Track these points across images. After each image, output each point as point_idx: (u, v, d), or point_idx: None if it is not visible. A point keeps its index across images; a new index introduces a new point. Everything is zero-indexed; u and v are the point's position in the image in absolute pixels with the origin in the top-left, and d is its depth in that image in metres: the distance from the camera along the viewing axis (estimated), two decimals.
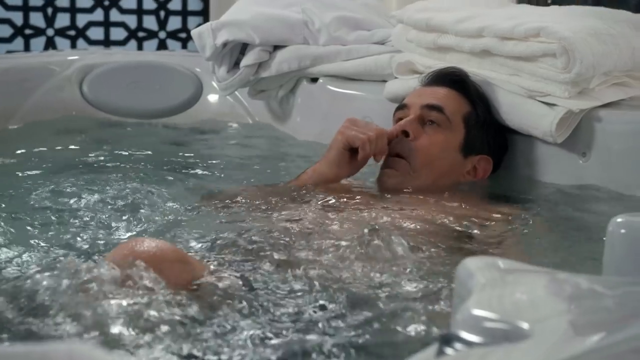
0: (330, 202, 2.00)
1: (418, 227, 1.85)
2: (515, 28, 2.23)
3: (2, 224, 1.95)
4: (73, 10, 3.83)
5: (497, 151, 2.26)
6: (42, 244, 1.81)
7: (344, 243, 1.68)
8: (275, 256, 1.65)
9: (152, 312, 1.33)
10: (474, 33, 2.32)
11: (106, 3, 3.85)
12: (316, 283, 1.51)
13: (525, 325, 1.00)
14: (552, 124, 2.17)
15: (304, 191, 2.07)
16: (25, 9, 3.77)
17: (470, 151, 2.19)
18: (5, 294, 1.40)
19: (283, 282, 1.52)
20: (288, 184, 2.16)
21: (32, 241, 1.84)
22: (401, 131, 2.15)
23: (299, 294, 1.47)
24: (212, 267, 1.57)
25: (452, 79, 2.24)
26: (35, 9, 3.78)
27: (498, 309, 1.04)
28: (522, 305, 1.07)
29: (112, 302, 1.34)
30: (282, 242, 1.71)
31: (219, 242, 1.76)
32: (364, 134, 2.09)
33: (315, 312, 1.41)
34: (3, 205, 2.11)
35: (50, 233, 1.89)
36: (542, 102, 2.21)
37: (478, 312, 1.04)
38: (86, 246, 1.80)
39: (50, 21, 3.83)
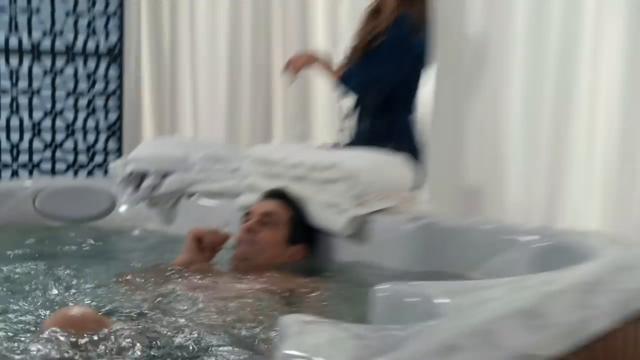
0: (191, 278, 1.97)
1: (251, 293, 1.83)
2: (319, 162, 2.27)
3: None
4: (31, 151, 3.74)
5: (310, 241, 2.24)
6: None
7: (195, 308, 1.68)
8: (151, 315, 1.64)
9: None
10: (293, 165, 2.34)
11: (53, 146, 3.77)
12: (175, 336, 1.49)
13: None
14: (343, 223, 2.19)
15: (175, 271, 2.04)
16: None
17: (292, 242, 2.18)
18: None
19: (160, 334, 1.50)
20: (167, 265, 2.11)
21: None
22: (247, 229, 2.15)
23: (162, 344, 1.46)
24: (116, 323, 1.53)
25: (279, 195, 2.25)
26: (5, 150, 3.68)
27: (303, 349, 1.03)
28: (320, 345, 1.06)
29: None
30: (154, 308, 1.70)
31: (121, 306, 1.73)
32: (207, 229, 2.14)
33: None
34: None
35: (3, 300, 1.81)
36: (337, 209, 2.21)
37: (289, 352, 1.03)
38: (33, 313, 1.72)
39: (15, 158, 3.73)
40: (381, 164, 2.29)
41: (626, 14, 2.29)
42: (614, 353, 1.38)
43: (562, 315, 1.31)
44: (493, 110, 2.56)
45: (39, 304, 1.80)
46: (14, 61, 3.65)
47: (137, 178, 2.77)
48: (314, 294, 1.90)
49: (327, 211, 2.23)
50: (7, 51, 3.63)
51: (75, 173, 3.77)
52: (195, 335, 1.49)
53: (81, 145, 3.77)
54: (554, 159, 2.45)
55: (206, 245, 2.14)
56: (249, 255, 2.13)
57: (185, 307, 1.69)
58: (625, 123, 2.32)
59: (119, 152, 3.78)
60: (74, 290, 1.93)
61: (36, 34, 3.66)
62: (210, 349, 1.43)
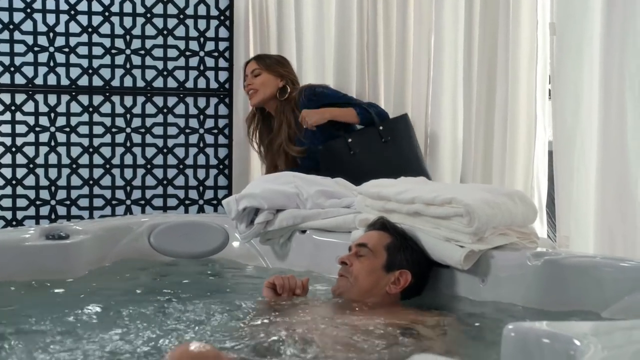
0: (299, 315, 2.00)
1: (364, 328, 1.83)
2: (435, 198, 2.25)
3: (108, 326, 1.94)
4: (143, 187, 3.86)
5: (414, 266, 2.20)
6: (124, 340, 1.80)
7: (311, 345, 1.69)
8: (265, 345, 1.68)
9: None
10: (408, 201, 2.34)
11: (164, 182, 3.88)
12: None
13: None
14: (461, 258, 2.17)
15: (286, 306, 2.08)
16: (113, 187, 3.81)
17: (391, 268, 2.16)
18: None
19: None
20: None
21: (120, 337, 1.82)
22: (340, 262, 2.19)
23: None
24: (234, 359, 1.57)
25: (379, 225, 2.27)
26: (119, 187, 3.81)
27: None
28: None
29: None
30: (270, 343, 1.71)
31: (238, 341, 1.75)
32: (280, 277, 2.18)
33: None
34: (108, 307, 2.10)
35: (126, 334, 1.86)
36: (455, 244, 2.20)
37: None
38: (150, 346, 1.78)
39: (128, 195, 3.85)
40: (500, 199, 2.25)
41: None
42: None
43: None
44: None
45: (154, 338, 1.84)
46: (128, 100, 3.82)
47: (251, 214, 2.81)
48: (434, 330, 1.88)
49: (445, 245, 2.22)
50: (122, 91, 3.81)
51: (186, 209, 3.87)
52: None
53: (192, 182, 3.88)
54: None
55: (282, 291, 2.15)
56: (343, 289, 2.16)
57: (300, 344, 1.69)
58: None
59: (229, 188, 3.86)
60: (191, 326, 1.98)
61: (149, 73, 3.83)
62: None
